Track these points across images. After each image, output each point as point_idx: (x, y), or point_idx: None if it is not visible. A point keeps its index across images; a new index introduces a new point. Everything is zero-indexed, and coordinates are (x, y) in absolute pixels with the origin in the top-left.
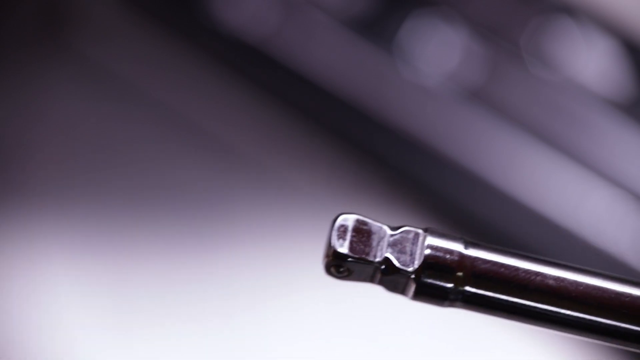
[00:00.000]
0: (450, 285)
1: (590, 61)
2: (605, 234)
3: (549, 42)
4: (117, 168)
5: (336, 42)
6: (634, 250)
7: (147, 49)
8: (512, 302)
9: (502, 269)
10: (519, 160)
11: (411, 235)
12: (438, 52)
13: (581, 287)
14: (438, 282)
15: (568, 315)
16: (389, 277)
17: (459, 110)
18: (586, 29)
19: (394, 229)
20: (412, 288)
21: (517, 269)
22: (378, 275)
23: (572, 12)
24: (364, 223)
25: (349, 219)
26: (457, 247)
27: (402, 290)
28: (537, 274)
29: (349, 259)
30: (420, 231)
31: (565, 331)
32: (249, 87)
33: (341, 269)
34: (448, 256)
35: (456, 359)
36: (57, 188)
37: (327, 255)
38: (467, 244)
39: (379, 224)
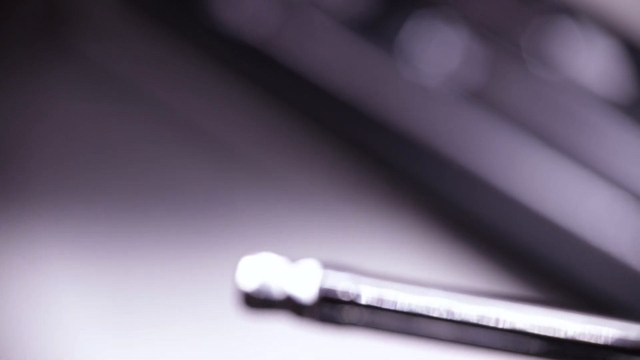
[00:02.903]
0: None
1: (590, 61)
2: (605, 234)
3: (549, 42)
4: (117, 168)
5: (336, 42)
6: (634, 250)
7: (147, 49)
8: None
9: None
10: (519, 160)
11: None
12: (439, 52)
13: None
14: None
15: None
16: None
17: (459, 110)
18: (586, 29)
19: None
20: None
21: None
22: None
23: (572, 12)
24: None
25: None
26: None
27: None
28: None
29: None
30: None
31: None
32: (249, 87)
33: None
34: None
35: None
36: (57, 188)
37: None
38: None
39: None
